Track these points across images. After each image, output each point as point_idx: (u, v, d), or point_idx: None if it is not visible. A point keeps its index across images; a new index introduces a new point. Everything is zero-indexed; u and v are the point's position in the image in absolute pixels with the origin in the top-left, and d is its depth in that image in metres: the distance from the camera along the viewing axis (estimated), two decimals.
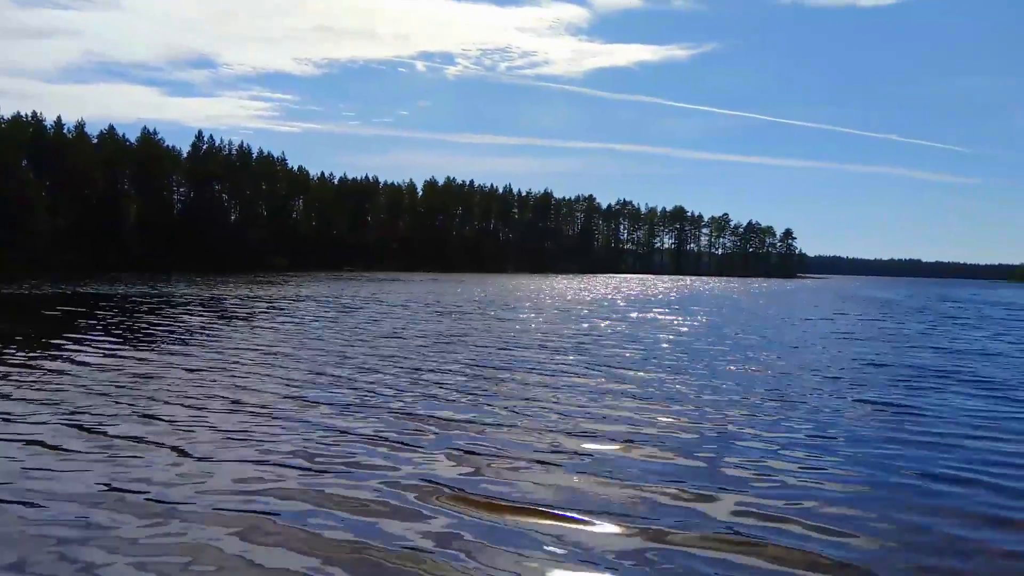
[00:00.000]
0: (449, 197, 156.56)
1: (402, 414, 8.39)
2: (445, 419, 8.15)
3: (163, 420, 7.87)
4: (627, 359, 13.59)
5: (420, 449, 6.88)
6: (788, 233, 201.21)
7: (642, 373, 11.79)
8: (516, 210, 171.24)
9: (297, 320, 20.48)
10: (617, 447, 7.14)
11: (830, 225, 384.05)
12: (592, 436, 7.53)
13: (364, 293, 37.32)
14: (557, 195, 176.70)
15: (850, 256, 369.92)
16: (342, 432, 7.46)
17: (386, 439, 7.23)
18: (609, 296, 44.49)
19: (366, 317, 22.07)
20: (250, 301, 28.54)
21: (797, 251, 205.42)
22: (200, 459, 6.43)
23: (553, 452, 6.87)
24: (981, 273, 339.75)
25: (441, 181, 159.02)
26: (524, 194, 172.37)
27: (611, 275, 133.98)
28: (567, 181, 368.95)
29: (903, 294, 69.24)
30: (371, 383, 10.38)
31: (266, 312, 23.17)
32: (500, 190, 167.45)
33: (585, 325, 21.40)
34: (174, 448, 6.71)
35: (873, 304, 43.49)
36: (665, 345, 16.46)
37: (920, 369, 13.27)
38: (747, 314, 30.06)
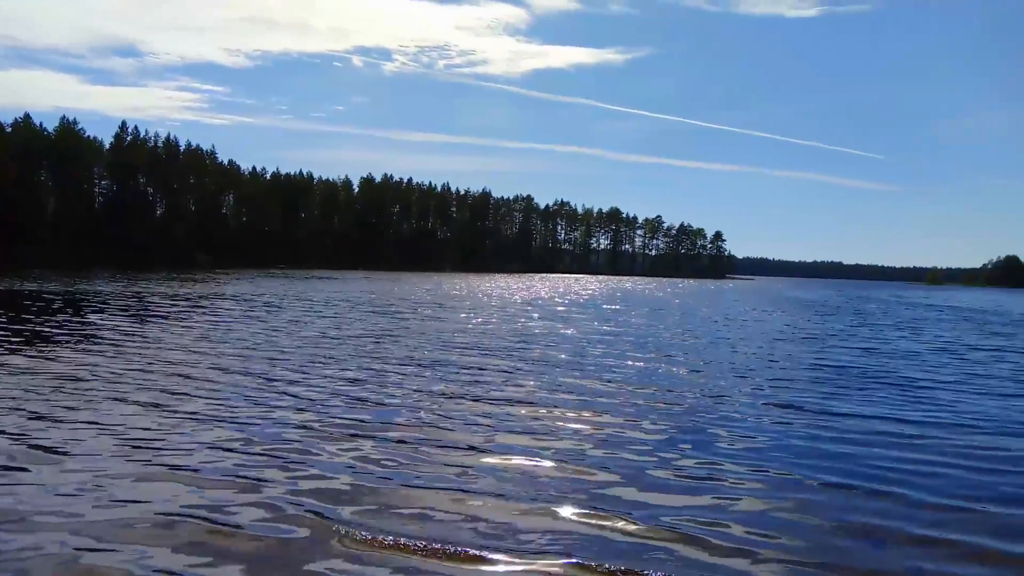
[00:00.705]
0: (386, 194, 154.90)
1: (306, 424, 8.22)
2: (357, 428, 8.13)
3: (53, 428, 7.62)
4: (560, 361, 13.80)
5: (313, 466, 6.42)
6: (718, 235, 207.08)
7: (569, 379, 11.97)
8: (454, 209, 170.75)
9: (214, 320, 19.99)
10: (527, 462, 6.84)
11: (758, 228, 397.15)
12: (501, 450, 7.31)
13: (293, 292, 36.66)
14: (496, 195, 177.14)
15: (776, 258, 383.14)
16: (243, 442, 7.22)
17: (280, 455, 6.79)
18: (545, 296, 44.94)
19: (289, 317, 21.72)
20: (169, 300, 27.67)
21: (726, 253, 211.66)
22: (82, 470, 6.21)
23: (461, 470, 6.93)
24: (897, 275, 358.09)
25: (378, 178, 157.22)
26: (463, 193, 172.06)
27: (549, 275, 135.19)
28: (506, 181, 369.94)
29: (824, 295, 72.30)
30: (282, 390, 10.26)
31: (184, 312, 22.52)
32: (438, 188, 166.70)
33: (518, 325, 21.61)
34: (54, 451, 6.54)
35: (796, 305, 45.25)
36: (594, 347, 16.78)
37: (840, 370, 13.83)
38: (677, 314, 30.88)
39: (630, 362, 13.97)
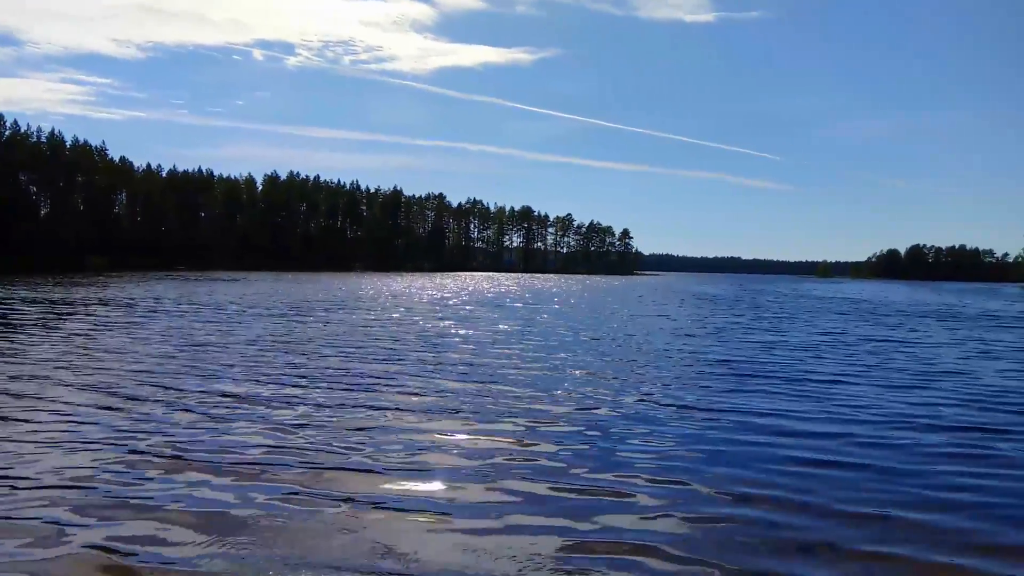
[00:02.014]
0: (292, 193, 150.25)
1: (173, 442, 7.60)
2: (198, 455, 7.51)
3: None
4: (456, 364, 13.40)
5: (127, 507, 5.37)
6: (626, 233, 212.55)
7: (462, 383, 11.64)
8: (364, 207, 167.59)
9: (91, 327, 18.53)
10: (404, 484, 6.59)
11: (663, 225, 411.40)
12: (381, 471, 6.86)
13: (183, 294, 34.70)
14: (407, 193, 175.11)
15: (681, 254, 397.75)
16: (43, 478, 6.46)
17: (83, 493, 6.06)
18: (454, 295, 44.46)
19: (170, 324, 20.42)
20: (49, 305, 25.59)
21: (634, 250, 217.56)
22: None
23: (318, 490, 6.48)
24: (791, 269, 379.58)
25: (283, 176, 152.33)
26: (373, 191, 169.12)
27: (462, 273, 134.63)
28: (417, 179, 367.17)
29: (725, 289, 75.37)
30: (157, 401, 9.45)
31: (52, 319, 20.80)
32: (347, 186, 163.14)
33: (421, 326, 21.08)
34: None
35: (699, 299, 46.67)
36: (495, 348, 16.51)
37: (738, 365, 14.03)
38: (584, 311, 31.10)
39: (532, 363, 13.76)
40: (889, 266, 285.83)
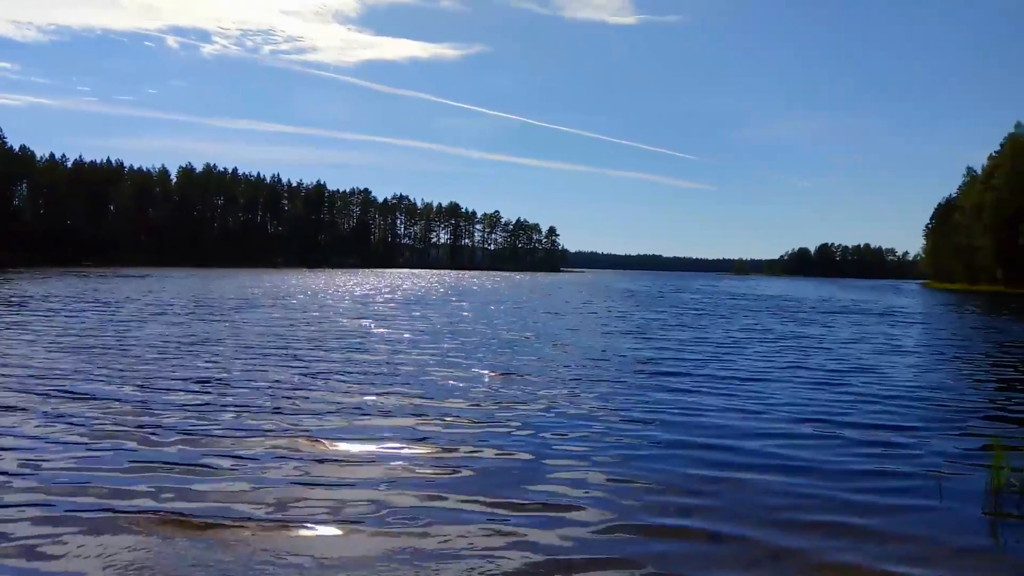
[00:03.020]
0: (209, 186, 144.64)
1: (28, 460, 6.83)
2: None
3: None
4: (370, 367, 12.81)
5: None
6: (552, 230, 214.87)
7: (381, 387, 11.13)
8: (286, 202, 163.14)
9: None
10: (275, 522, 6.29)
11: (589, 223, 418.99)
12: (270, 498, 6.58)
13: (86, 293, 32.54)
14: (331, 187, 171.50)
15: (606, 252, 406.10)
16: None
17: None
18: (377, 291, 43.47)
19: (72, 323, 18.99)
20: None
21: (560, 247, 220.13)
22: None
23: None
24: (710, 266, 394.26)
25: (199, 168, 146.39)
26: (295, 185, 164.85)
27: (388, 270, 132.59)
28: (342, 173, 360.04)
29: (648, 285, 77.02)
30: (29, 414, 8.55)
31: None
32: (268, 179, 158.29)
33: (346, 323, 20.28)
34: None
35: (622, 296, 47.26)
36: (414, 349, 16.01)
37: (661, 362, 13.97)
38: (508, 308, 30.86)
39: (452, 366, 13.33)
40: (800, 264, 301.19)
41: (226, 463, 6.44)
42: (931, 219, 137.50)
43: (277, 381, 10.66)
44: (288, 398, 9.42)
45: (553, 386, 10.92)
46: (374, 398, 9.61)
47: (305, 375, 11.26)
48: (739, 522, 5.30)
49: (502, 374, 12.10)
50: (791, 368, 13.59)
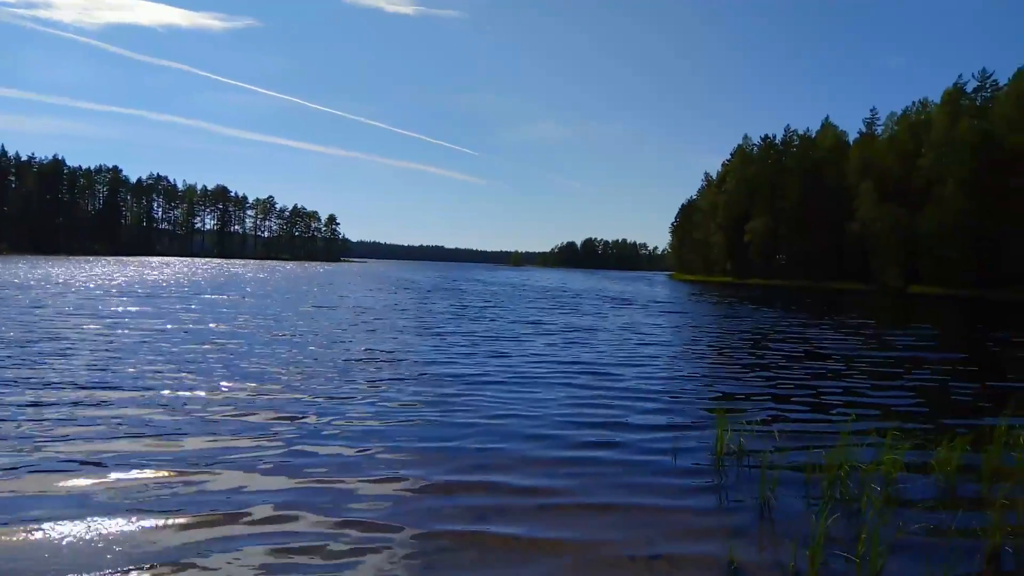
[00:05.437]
0: None
1: None
2: None
3: None
4: (82, 379, 11.41)
5: None
6: (332, 219, 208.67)
7: (123, 392, 9.98)
8: (13, 178, 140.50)
9: None
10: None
11: (371, 213, 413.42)
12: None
13: None
14: (71, 163, 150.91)
15: (388, 242, 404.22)
16: None
17: None
18: (116, 284, 38.92)
19: None
20: None
21: (341, 236, 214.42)
22: None
23: None
24: (489, 258, 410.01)
25: None
26: (25, 159, 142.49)
27: (143, 258, 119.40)
28: (86, 148, 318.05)
29: (429, 276, 77.98)
30: None
31: None
32: None
33: (92, 326, 17.70)
34: None
35: (403, 288, 47.19)
36: (147, 357, 14.60)
37: (432, 362, 14.10)
38: (279, 301, 29.29)
39: (212, 372, 12.38)
40: (569, 256, 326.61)
41: None
42: (676, 218, 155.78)
43: None
44: None
45: (315, 386, 10.62)
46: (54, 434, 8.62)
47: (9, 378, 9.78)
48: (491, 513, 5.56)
49: (260, 384, 11.50)
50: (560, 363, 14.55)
